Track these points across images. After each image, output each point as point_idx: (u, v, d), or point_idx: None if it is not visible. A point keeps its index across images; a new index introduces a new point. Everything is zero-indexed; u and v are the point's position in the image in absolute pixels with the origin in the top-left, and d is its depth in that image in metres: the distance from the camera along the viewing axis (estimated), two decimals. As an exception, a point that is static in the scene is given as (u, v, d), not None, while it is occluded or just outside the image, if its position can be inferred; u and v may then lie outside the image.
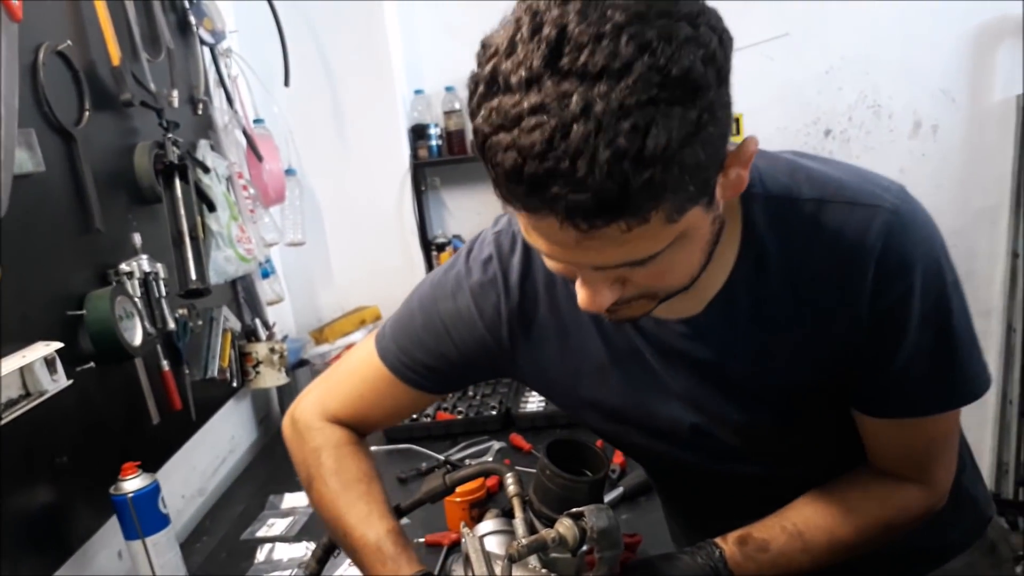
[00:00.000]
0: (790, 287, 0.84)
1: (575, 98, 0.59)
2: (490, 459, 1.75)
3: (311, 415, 1.09)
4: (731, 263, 0.85)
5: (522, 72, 0.61)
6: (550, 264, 0.78)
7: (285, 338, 2.29)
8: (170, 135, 1.79)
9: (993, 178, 2.76)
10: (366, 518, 0.99)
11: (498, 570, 0.91)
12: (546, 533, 0.88)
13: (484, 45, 0.66)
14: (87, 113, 1.52)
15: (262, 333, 2.21)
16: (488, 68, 0.64)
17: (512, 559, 0.85)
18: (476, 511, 1.54)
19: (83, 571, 1.40)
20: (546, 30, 0.61)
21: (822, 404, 0.92)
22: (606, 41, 0.59)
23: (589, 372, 0.98)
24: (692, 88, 0.61)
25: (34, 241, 1.34)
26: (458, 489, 1.41)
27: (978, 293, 2.83)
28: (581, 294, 0.76)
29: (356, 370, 1.08)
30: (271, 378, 2.16)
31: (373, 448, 1.93)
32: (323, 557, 1.13)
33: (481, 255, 0.98)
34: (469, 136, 2.75)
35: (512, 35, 0.63)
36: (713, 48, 0.63)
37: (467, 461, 1.76)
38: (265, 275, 2.35)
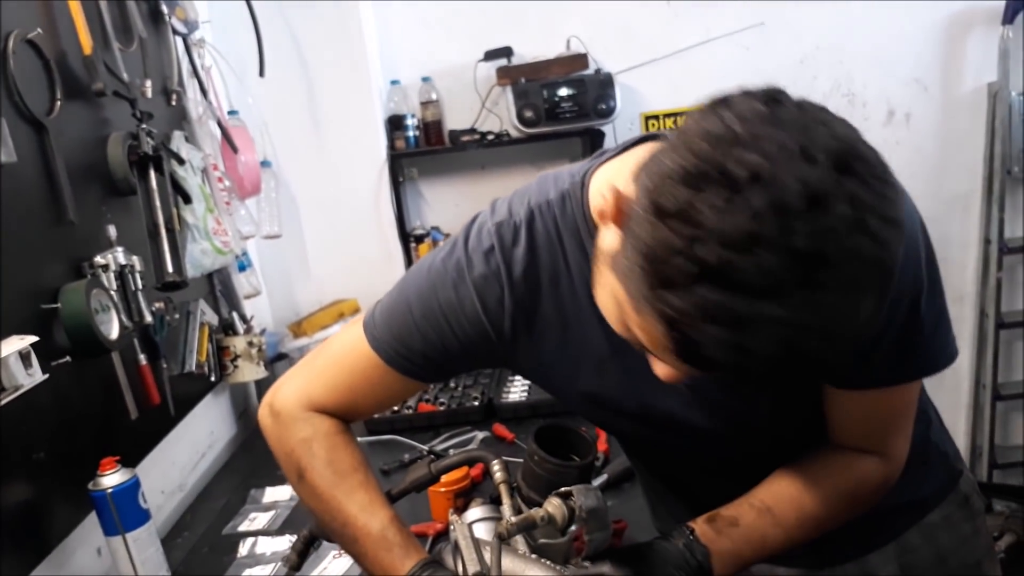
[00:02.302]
0: None
1: (822, 314, 0.60)
2: (473, 447, 1.75)
3: (295, 405, 1.05)
4: None
5: (765, 280, 0.59)
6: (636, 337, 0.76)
7: (263, 332, 2.26)
8: (144, 126, 1.76)
9: (966, 165, 2.79)
10: (367, 507, 0.98)
11: (487, 556, 0.91)
12: (535, 512, 0.88)
13: (692, 214, 0.60)
14: (59, 103, 1.50)
15: (240, 327, 2.18)
16: (713, 257, 0.59)
17: (502, 537, 0.85)
18: (461, 501, 1.54)
19: (61, 569, 1.37)
20: (800, 243, 0.58)
21: (810, 389, 0.94)
22: (856, 264, 0.60)
23: (589, 364, 0.98)
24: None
25: (6, 233, 1.31)
26: (443, 479, 1.42)
27: (951, 279, 2.87)
28: (659, 369, 0.77)
29: (343, 359, 1.05)
30: (249, 372, 2.14)
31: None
32: (303, 550, 1.11)
33: (482, 246, 0.95)
34: (446, 126, 2.76)
35: (752, 233, 0.58)
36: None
37: (450, 451, 1.76)
38: (242, 268, 2.32)
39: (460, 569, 0.92)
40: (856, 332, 0.63)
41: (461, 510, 1.46)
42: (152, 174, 1.75)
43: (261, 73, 2.34)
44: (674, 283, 0.61)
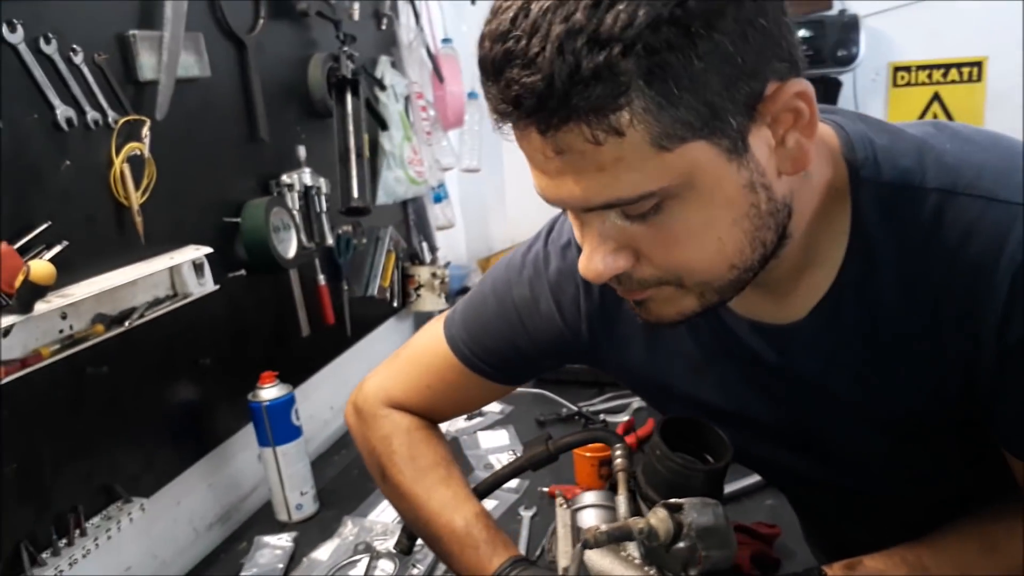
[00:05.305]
0: (905, 296, 0.68)
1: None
2: (625, 417, 1.63)
3: (374, 402, 1.02)
4: (839, 263, 0.70)
5: None
6: (575, 229, 0.69)
7: (447, 264, 2.27)
8: (346, 48, 1.77)
9: None
10: (450, 503, 0.93)
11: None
12: (633, 522, 0.77)
13: None
14: (262, 21, 1.53)
15: (426, 257, 2.20)
16: None
17: (587, 545, 0.75)
18: (605, 469, 1.44)
19: (221, 467, 1.46)
20: None
21: (947, 434, 0.75)
22: None
23: (683, 372, 0.86)
24: None
25: (194, 147, 1.36)
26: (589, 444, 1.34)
27: None
28: (581, 257, 0.66)
29: (422, 356, 1.00)
30: (430, 302, 2.15)
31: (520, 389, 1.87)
32: (414, 533, 1.08)
33: (561, 239, 0.88)
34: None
35: None
36: None
37: (601, 416, 1.66)
38: (437, 199, 2.33)
39: (554, 554, 0.84)
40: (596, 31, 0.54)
41: (605, 478, 1.38)
42: (349, 98, 1.77)
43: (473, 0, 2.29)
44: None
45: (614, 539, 0.76)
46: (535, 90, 0.55)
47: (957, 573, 0.76)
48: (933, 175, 0.66)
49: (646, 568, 0.81)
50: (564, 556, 0.82)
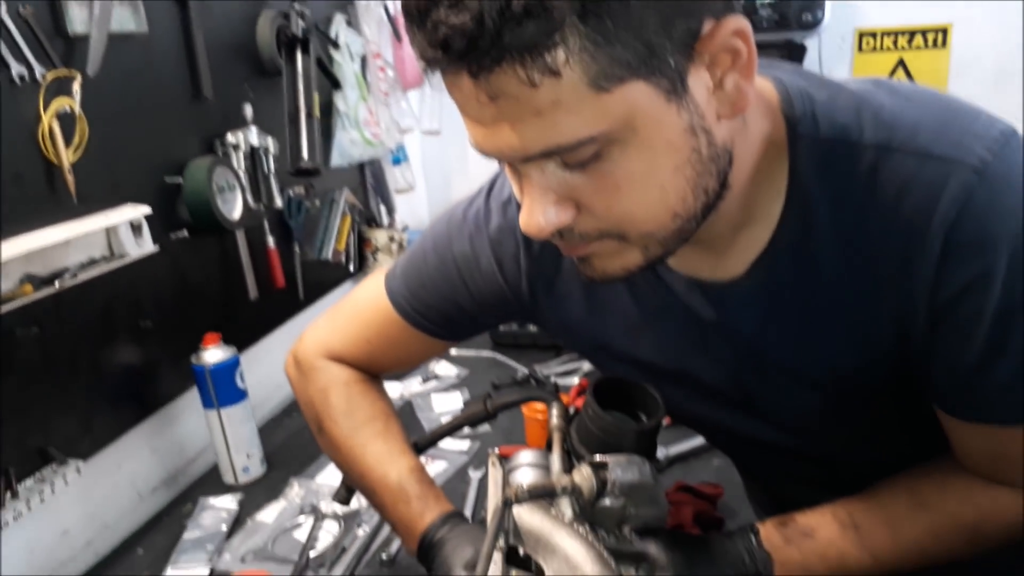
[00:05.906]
0: (840, 254, 0.68)
1: None
2: (575, 380, 1.63)
3: (313, 354, 1.02)
4: (776, 219, 0.70)
5: None
6: (513, 185, 0.67)
7: (405, 228, 2.24)
8: (296, 5, 1.73)
9: None
10: (385, 456, 0.93)
11: (527, 514, 0.81)
12: (557, 480, 0.77)
13: None
14: (205, -24, 1.48)
15: (384, 220, 2.17)
16: None
17: (507, 503, 0.74)
18: (554, 431, 1.44)
19: (165, 428, 1.45)
20: None
21: (882, 394, 0.75)
22: None
23: (621, 330, 0.86)
24: None
25: (132, 104, 1.32)
26: (538, 407, 1.34)
27: None
28: (522, 212, 0.64)
29: (363, 310, 0.99)
30: (387, 266, 2.13)
31: (473, 352, 1.86)
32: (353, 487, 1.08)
33: (502, 195, 0.87)
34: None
35: None
36: None
37: (551, 378, 1.66)
38: (396, 162, 2.30)
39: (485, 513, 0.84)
40: None
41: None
42: (299, 56, 1.73)
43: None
44: None
45: (536, 496, 0.75)
46: (465, 30, 0.53)
47: (887, 528, 0.77)
48: (870, 131, 0.65)
49: (576, 526, 0.81)
50: (491, 515, 0.81)
